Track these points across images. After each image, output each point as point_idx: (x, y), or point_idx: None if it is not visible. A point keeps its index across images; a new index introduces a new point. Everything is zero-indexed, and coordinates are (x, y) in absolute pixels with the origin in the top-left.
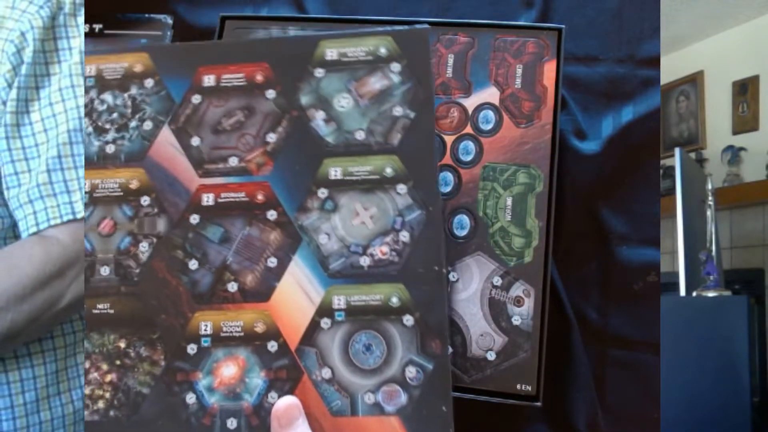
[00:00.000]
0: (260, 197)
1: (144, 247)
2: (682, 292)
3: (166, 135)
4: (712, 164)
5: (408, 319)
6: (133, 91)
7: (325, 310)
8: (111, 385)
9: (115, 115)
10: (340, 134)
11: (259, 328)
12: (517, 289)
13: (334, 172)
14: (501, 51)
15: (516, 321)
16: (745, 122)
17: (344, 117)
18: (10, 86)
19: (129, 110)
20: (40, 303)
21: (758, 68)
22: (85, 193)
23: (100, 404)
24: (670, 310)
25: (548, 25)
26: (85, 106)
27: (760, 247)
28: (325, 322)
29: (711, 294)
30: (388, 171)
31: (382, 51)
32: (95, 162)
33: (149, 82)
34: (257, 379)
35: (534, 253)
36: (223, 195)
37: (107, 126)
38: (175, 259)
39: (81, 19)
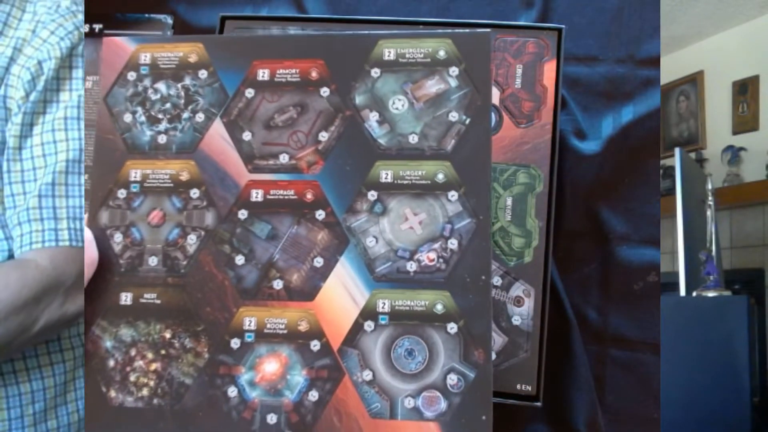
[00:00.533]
0: (309, 196)
1: (192, 239)
2: (682, 292)
3: (217, 128)
4: (712, 164)
5: (452, 327)
6: (187, 81)
7: (369, 312)
8: (155, 374)
9: (168, 105)
10: (393, 137)
11: (303, 326)
12: (517, 289)
13: (385, 174)
14: (501, 51)
15: (516, 321)
16: (745, 122)
17: (398, 119)
18: (20, 111)
19: (182, 101)
20: (13, 328)
21: (758, 68)
22: (136, 182)
23: (144, 392)
24: (670, 310)
25: (548, 25)
26: (138, 94)
27: (760, 247)
28: (368, 325)
29: (711, 294)
30: (440, 177)
31: (441, 54)
32: (147, 152)
33: (203, 74)
34: (299, 377)
35: (534, 253)
36: (272, 192)
37: (160, 116)
38: (222, 254)
39: None
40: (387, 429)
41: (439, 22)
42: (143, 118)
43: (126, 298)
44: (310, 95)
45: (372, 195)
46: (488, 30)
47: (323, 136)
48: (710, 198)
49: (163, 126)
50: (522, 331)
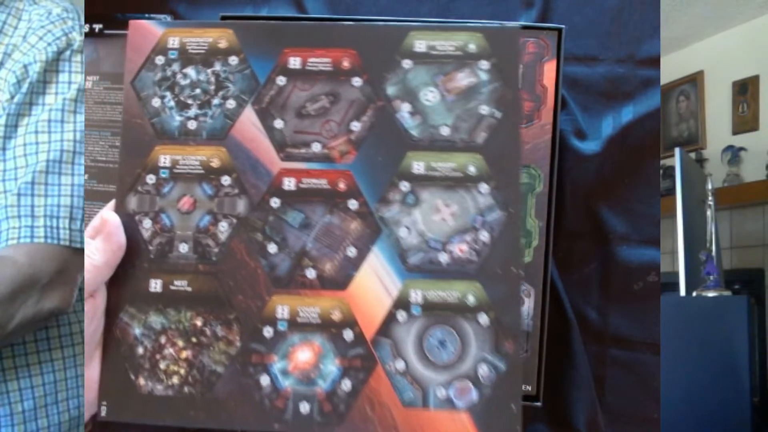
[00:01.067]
0: (342, 186)
1: (223, 227)
2: (682, 292)
3: (249, 115)
4: (712, 164)
5: (483, 318)
6: (217, 67)
7: (402, 302)
8: (186, 362)
9: (198, 90)
10: (425, 128)
11: (336, 315)
12: None
13: (417, 166)
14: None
15: None
16: (745, 122)
17: (430, 111)
18: (5, 113)
19: (212, 87)
20: None
21: (758, 68)
22: (165, 168)
23: (175, 380)
24: (670, 310)
25: (548, 25)
26: (167, 78)
27: (760, 247)
28: (401, 315)
29: (711, 294)
30: (471, 169)
31: (472, 47)
32: (176, 137)
33: (233, 60)
34: (331, 366)
35: (534, 253)
36: (304, 180)
37: (189, 101)
38: (255, 242)
39: None
40: (419, 418)
41: (440, 22)
42: (172, 103)
43: (156, 285)
44: (341, 84)
45: (404, 186)
46: (518, 25)
47: (355, 125)
48: (710, 198)
49: (192, 111)
50: (522, 331)
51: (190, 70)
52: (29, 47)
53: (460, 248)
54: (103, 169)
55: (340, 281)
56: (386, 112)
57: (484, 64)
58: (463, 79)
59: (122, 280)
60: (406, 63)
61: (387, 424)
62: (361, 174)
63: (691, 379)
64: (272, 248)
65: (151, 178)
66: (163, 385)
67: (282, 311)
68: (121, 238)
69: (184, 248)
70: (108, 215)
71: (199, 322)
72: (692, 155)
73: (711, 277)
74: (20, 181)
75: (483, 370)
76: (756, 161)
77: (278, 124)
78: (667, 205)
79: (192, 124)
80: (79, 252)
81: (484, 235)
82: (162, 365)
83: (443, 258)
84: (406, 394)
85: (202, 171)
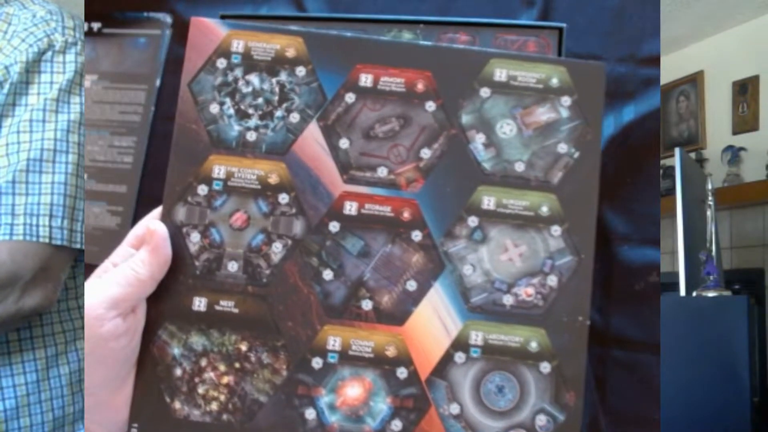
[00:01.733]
0: (406, 215)
1: (277, 247)
2: (682, 292)
3: (312, 131)
4: (712, 164)
5: (545, 367)
6: (283, 77)
7: (461, 344)
8: (227, 388)
9: (260, 100)
10: (499, 162)
11: (390, 352)
12: None
13: (488, 201)
14: (502, 50)
15: None
16: (745, 122)
17: (505, 144)
18: None
19: (276, 97)
20: None
21: (758, 68)
22: (219, 179)
23: (213, 406)
24: (670, 310)
25: (549, 24)
26: (228, 84)
27: (760, 247)
28: (459, 357)
29: (711, 294)
30: (544, 210)
31: (554, 81)
32: (233, 148)
33: (301, 71)
34: (382, 405)
35: None
36: (367, 206)
37: (251, 111)
38: (310, 266)
39: (70, 56)
40: None
41: (441, 21)
42: (231, 111)
43: (200, 304)
44: (414, 108)
45: (473, 221)
46: (603, 63)
47: (425, 153)
48: (710, 198)
49: (253, 122)
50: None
51: (254, 78)
52: (12, 49)
53: (527, 292)
54: (102, 169)
55: (397, 316)
56: (459, 142)
57: (566, 101)
58: (543, 114)
59: (164, 296)
60: (485, 92)
61: None
62: (428, 204)
63: (691, 379)
64: (328, 275)
65: (203, 189)
66: (200, 411)
67: (334, 342)
68: (168, 251)
69: (233, 267)
70: (155, 226)
71: (243, 347)
72: (692, 155)
73: (711, 277)
74: (1, 181)
75: (541, 421)
76: (756, 161)
77: (344, 143)
78: (667, 205)
79: (251, 136)
80: (62, 249)
81: (553, 280)
82: (200, 389)
83: (508, 300)
84: None
85: (258, 186)
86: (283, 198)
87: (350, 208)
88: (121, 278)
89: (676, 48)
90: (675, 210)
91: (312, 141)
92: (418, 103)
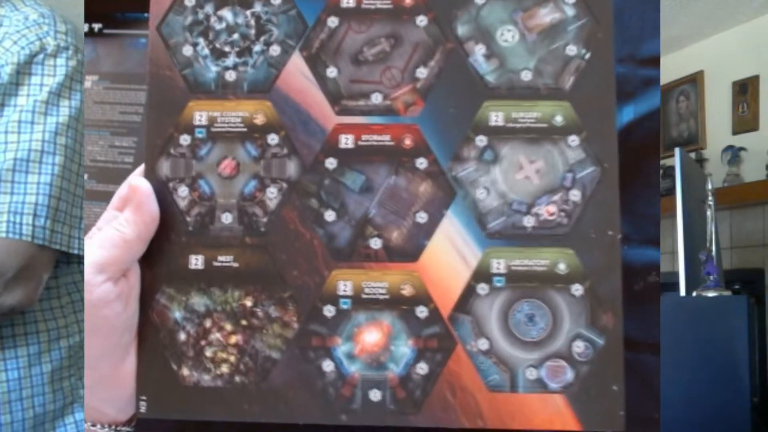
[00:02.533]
0: (408, 142)
1: (272, 192)
2: (682, 292)
3: (296, 63)
4: (712, 164)
5: (577, 289)
6: (257, 8)
7: (482, 274)
8: (236, 348)
9: (235, 36)
10: (503, 73)
11: (407, 291)
12: None
13: (495, 117)
14: None
15: None
16: (745, 122)
17: (508, 53)
18: None
19: (252, 31)
20: None
21: (758, 68)
22: (202, 126)
23: (224, 368)
24: (670, 310)
25: None
26: (200, 22)
27: (760, 247)
28: (482, 288)
29: (711, 294)
30: (558, 119)
31: None
32: (213, 91)
33: None
34: (404, 348)
35: None
36: (364, 137)
37: (227, 49)
38: (309, 209)
39: (61, 60)
40: (508, 402)
41: None
42: (206, 52)
43: (196, 262)
44: (404, 25)
45: (481, 140)
46: None
47: (421, 72)
48: (710, 198)
49: (231, 61)
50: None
51: (226, 12)
52: (3, 51)
53: (548, 210)
54: (102, 169)
55: (410, 252)
56: (457, 56)
57: None
58: (546, 15)
59: (157, 258)
60: None
61: (470, 411)
62: (431, 128)
63: (691, 379)
64: (330, 216)
65: (185, 139)
66: (210, 376)
67: (344, 287)
68: (153, 207)
69: (227, 218)
70: (137, 182)
71: (248, 303)
72: (692, 155)
73: (711, 277)
74: None
75: (578, 347)
76: (756, 161)
77: (331, 72)
78: (667, 205)
79: (231, 75)
80: (46, 249)
81: (575, 195)
82: (208, 352)
83: (529, 222)
84: (492, 376)
85: (244, 129)
86: (273, 139)
87: (346, 141)
88: (105, 240)
89: (676, 48)
90: (675, 210)
91: (297, 73)
92: (407, 19)
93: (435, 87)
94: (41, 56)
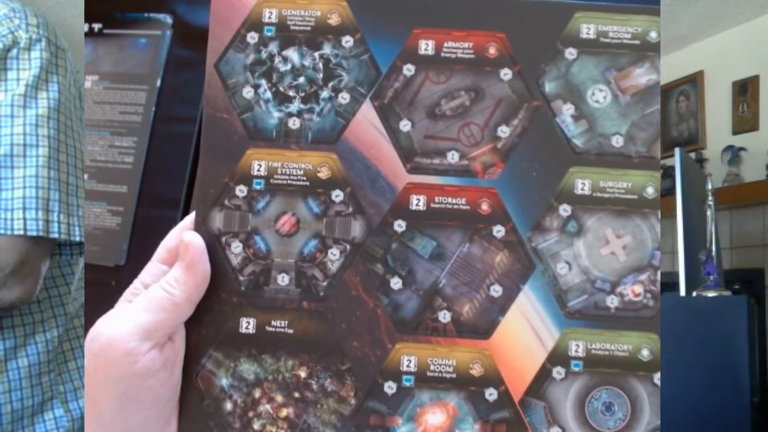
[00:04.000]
0: (485, 207)
1: (334, 254)
2: (682, 292)
3: (366, 113)
4: (712, 164)
5: (659, 378)
6: (326, 50)
7: (559, 356)
8: (287, 422)
9: (301, 79)
10: (592, 137)
11: (476, 370)
12: None
13: (582, 185)
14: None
15: None
16: (745, 122)
17: (599, 115)
18: None
19: (320, 75)
20: None
21: (758, 68)
22: (260, 177)
23: None
24: (670, 310)
25: None
26: (262, 62)
27: (760, 247)
28: (557, 372)
29: (711, 294)
30: (650, 191)
31: (653, 36)
32: (274, 139)
33: (348, 41)
34: None
35: None
36: (437, 199)
37: (291, 93)
38: (374, 274)
39: (35, 53)
40: None
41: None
42: (269, 95)
43: (248, 325)
44: (486, 77)
45: (564, 209)
46: None
47: (503, 131)
48: (710, 198)
49: (295, 107)
50: None
51: (292, 53)
52: None
53: (634, 290)
54: (102, 169)
55: (481, 328)
56: (543, 115)
57: None
58: (641, 76)
59: (205, 318)
60: (570, 53)
61: None
62: (510, 193)
63: (691, 379)
64: (396, 284)
65: (241, 190)
66: None
67: (408, 363)
68: (206, 266)
69: (283, 280)
70: (190, 237)
71: (303, 373)
72: (692, 155)
73: (711, 277)
74: None
75: None
76: (756, 161)
77: (405, 126)
78: (667, 205)
79: (294, 123)
80: (39, 241)
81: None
82: (256, 425)
83: (612, 302)
84: None
85: (306, 183)
86: (337, 195)
87: (417, 202)
88: (152, 303)
89: (676, 48)
90: (675, 210)
91: (367, 125)
92: (491, 71)
93: (517, 148)
94: (15, 50)
